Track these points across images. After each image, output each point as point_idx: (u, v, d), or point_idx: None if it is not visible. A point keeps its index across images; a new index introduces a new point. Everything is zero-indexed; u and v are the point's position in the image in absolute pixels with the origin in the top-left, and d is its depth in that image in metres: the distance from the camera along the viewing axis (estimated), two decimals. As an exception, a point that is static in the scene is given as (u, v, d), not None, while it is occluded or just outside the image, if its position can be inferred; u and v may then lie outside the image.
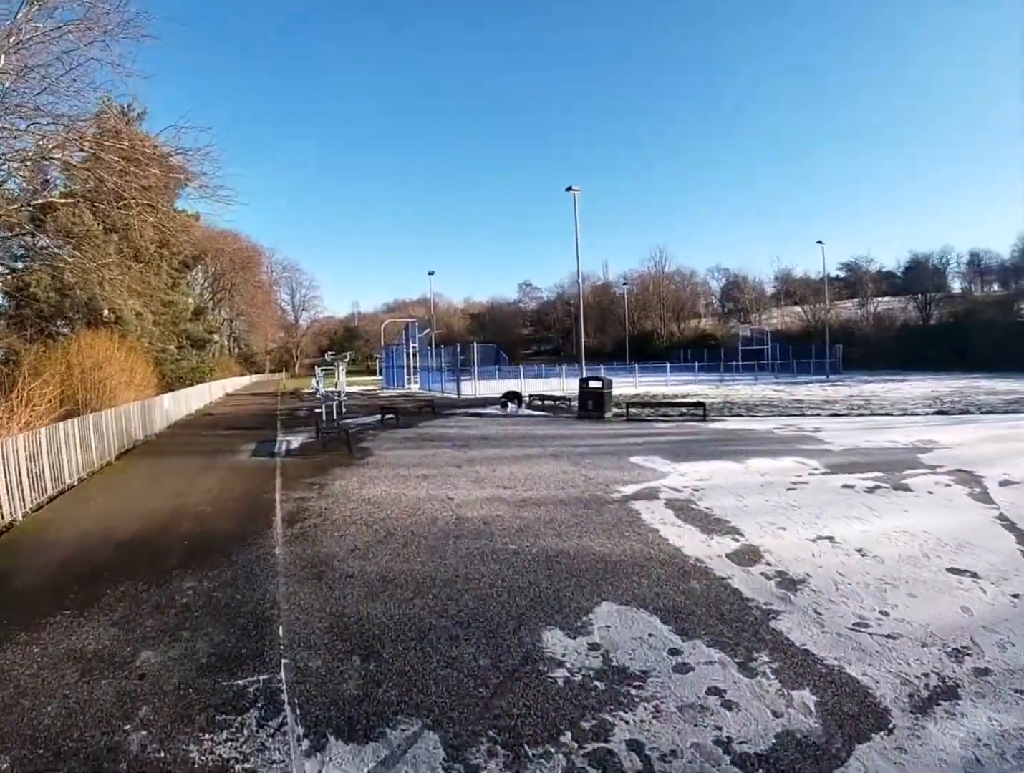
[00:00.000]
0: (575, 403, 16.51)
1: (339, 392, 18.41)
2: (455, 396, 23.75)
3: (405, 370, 34.99)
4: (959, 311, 43.98)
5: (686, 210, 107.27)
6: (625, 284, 66.61)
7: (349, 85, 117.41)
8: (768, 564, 4.66)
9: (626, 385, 28.07)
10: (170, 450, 12.24)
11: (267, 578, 4.60)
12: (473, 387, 23.78)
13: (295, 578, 4.57)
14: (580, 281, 23.50)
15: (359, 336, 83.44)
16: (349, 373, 32.11)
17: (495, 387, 24.14)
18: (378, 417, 15.35)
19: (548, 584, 4.34)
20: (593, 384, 15.03)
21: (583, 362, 23.77)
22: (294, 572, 4.71)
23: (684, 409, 15.24)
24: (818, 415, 14.91)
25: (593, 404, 14.75)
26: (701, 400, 15.69)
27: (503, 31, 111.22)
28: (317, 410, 15.83)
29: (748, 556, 4.84)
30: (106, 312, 22.04)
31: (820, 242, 35.30)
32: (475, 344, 24.27)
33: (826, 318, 38.38)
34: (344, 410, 18.28)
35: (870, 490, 6.84)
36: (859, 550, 4.89)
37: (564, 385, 26.15)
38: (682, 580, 4.37)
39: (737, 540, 5.26)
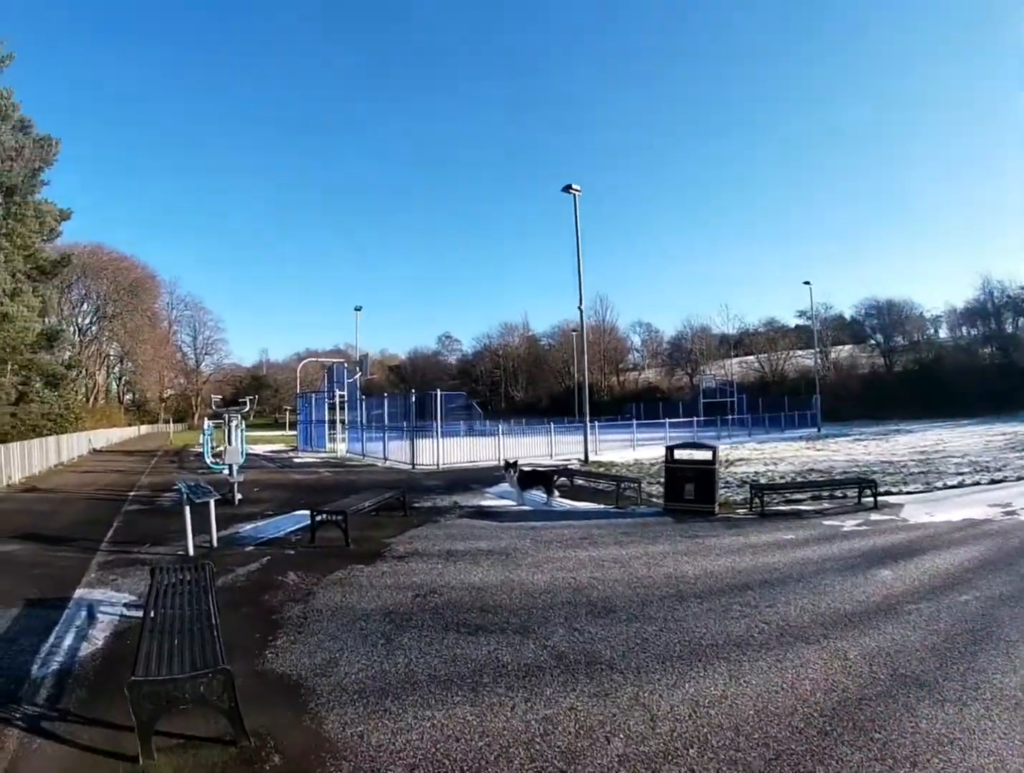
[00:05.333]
0: (639, 485, 9.91)
1: (231, 466, 10.39)
2: (407, 465, 16.37)
3: (326, 425, 26.98)
4: (925, 358, 43.04)
5: (606, 266, 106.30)
6: (574, 331, 62.59)
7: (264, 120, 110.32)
8: None
9: (617, 447, 21.95)
10: None
11: None
12: (435, 453, 16.41)
13: None
14: (581, 306, 17.43)
15: (267, 385, 73.34)
16: (254, 427, 23.57)
17: (465, 452, 17.10)
18: (303, 522, 7.74)
19: None
20: (692, 455, 8.47)
21: (587, 416, 17.41)
22: None
23: (829, 489, 9.07)
24: (977, 484, 10.08)
25: (696, 490, 8.16)
26: (861, 476, 9.68)
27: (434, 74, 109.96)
28: (194, 496, 7.27)
29: None
30: None
31: (807, 282, 32.16)
32: (439, 391, 17.07)
33: (816, 366, 35.16)
34: (239, 497, 10.33)
35: None
36: None
37: (552, 448, 19.42)
38: None
39: None
